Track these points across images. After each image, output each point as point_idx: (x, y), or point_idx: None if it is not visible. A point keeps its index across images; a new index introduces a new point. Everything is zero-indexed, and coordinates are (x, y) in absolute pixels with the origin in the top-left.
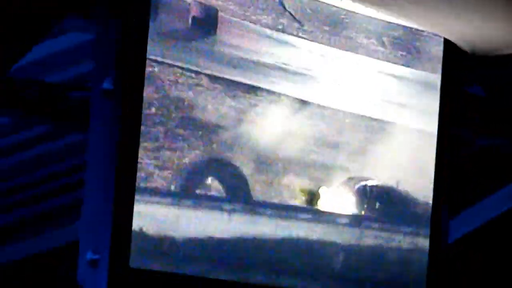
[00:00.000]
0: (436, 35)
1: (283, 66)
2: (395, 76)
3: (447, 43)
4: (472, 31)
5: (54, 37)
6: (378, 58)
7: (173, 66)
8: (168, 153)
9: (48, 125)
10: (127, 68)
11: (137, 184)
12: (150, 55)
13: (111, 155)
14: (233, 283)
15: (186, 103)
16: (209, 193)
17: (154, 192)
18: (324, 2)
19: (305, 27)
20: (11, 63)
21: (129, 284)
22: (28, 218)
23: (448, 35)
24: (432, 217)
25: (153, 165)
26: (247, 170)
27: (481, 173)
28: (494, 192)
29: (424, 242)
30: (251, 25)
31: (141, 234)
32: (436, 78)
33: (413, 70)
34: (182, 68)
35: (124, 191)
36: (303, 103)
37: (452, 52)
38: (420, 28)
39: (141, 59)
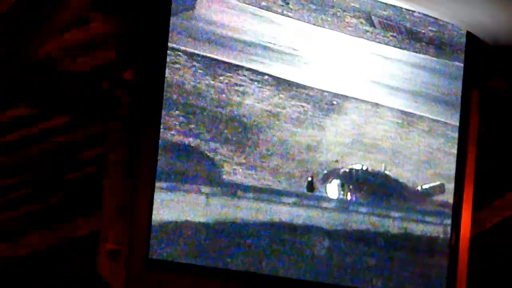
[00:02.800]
0: (456, 27)
1: (267, 44)
2: (385, 58)
3: (470, 36)
4: (495, 23)
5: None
6: (367, 39)
7: None
8: None
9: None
10: (149, 59)
11: None
12: None
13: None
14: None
15: None
16: (186, 176)
17: None
18: None
19: (291, 5)
20: (31, 52)
21: (148, 274)
22: (48, 209)
23: (470, 28)
24: (453, 208)
25: None
26: (226, 152)
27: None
28: None
29: (414, 227)
30: (233, 1)
31: None
32: (431, 62)
33: (405, 52)
34: None
35: (144, 182)
36: (287, 83)
37: (474, 45)
38: (442, 19)
39: (163, 50)
